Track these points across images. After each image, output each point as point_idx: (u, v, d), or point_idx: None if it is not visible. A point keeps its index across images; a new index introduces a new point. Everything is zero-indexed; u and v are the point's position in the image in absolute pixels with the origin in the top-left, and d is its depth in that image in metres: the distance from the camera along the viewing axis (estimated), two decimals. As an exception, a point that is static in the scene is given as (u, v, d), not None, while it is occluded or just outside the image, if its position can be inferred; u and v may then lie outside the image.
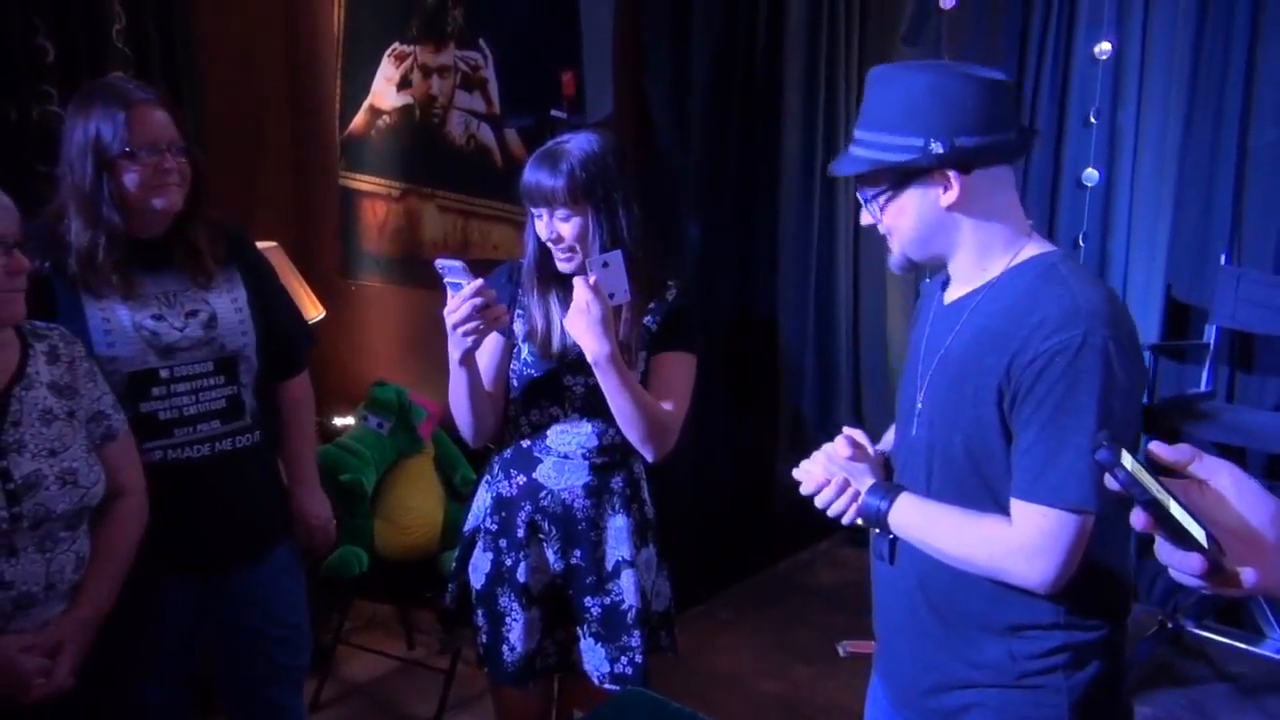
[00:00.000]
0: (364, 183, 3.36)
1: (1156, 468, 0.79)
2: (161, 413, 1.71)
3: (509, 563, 1.82)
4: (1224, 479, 0.79)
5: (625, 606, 1.80)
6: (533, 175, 1.70)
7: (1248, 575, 0.77)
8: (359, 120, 3.33)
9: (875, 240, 3.70)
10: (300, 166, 3.49)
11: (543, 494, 1.80)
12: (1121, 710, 1.39)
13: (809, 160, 3.50)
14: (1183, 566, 0.76)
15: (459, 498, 2.84)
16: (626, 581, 1.80)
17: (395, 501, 2.78)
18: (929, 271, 1.41)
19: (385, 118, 3.27)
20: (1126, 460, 0.77)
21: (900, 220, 1.29)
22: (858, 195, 1.34)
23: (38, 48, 2.47)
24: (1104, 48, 3.16)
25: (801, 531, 3.66)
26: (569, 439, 1.79)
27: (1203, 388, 3.05)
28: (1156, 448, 0.80)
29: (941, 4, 3.50)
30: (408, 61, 3.19)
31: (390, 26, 3.21)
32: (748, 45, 3.26)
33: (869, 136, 1.28)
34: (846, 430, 1.41)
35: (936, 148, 1.22)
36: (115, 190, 1.63)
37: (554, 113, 2.67)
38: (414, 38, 3.16)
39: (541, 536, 1.81)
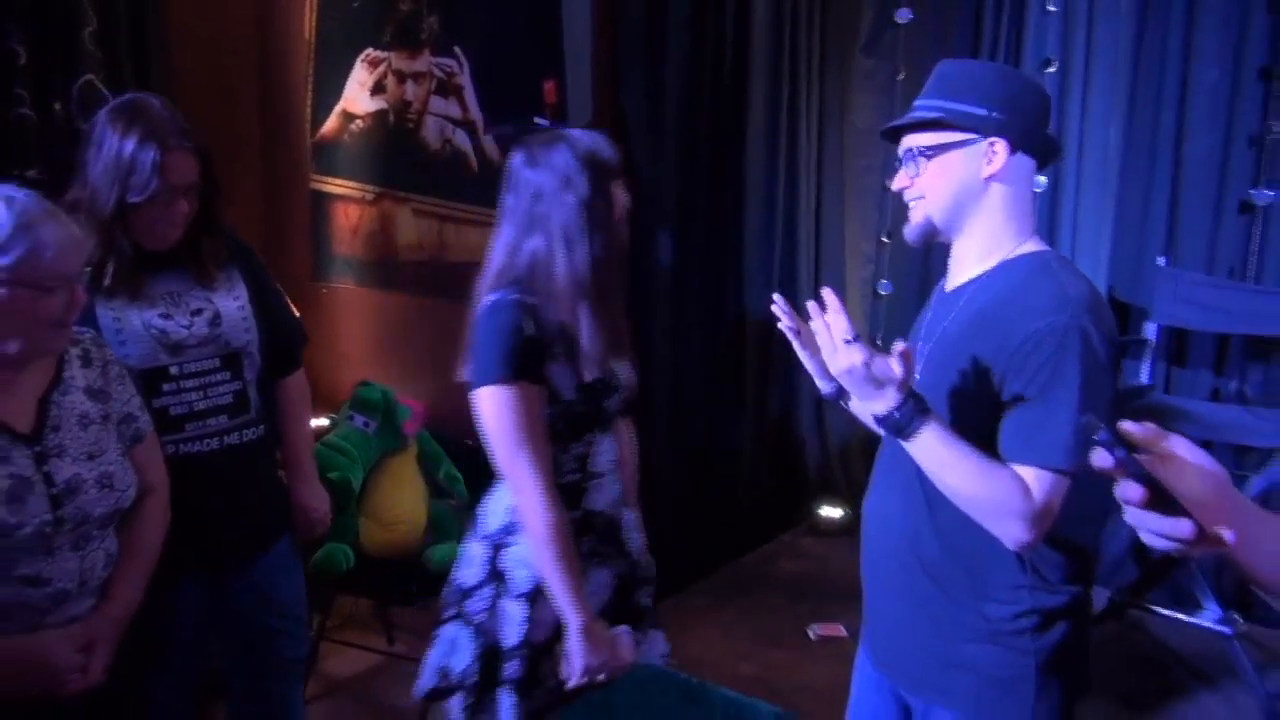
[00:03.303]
0: (336, 186, 3.39)
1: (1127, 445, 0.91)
2: (173, 408, 1.75)
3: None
4: (1182, 451, 0.92)
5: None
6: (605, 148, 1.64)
7: (1228, 534, 0.88)
8: (331, 124, 3.36)
9: (834, 247, 3.87)
10: (271, 170, 3.51)
11: (595, 519, 1.70)
12: (1085, 672, 1.50)
13: (772, 170, 3.63)
14: (1174, 531, 0.85)
15: (443, 494, 2.90)
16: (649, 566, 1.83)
17: (381, 499, 2.83)
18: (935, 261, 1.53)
19: (358, 122, 3.31)
20: (1109, 446, 0.88)
21: (939, 181, 1.42)
22: (902, 155, 1.46)
23: (9, 50, 2.47)
24: (1050, 64, 3.36)
25: (764, 526, 3.80)
26: (604, 459, 1.72)
27: (1144, 381, 3.26)
28: (1129, 426, 0.91)
29: (897, 18, 3.68)
30: (381, 67, 3.24)
31: (363, 32, 3.26)
32: (715, 60, 3.38)
33: (933, 102, 1.41)
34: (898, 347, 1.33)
35: (997, 115, 1.37)
36: (129, 220, 1.67)
37: (536, 120, 2.74)
38: (388, 43, 3.21)
39: (597, 563, 1.70)
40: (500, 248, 1.66)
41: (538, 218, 1.61)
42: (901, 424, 1.31)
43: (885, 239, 3.87)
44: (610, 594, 1.72)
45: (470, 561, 1.73)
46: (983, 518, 1.33)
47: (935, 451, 1.31)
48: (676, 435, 3.37)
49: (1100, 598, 3.13)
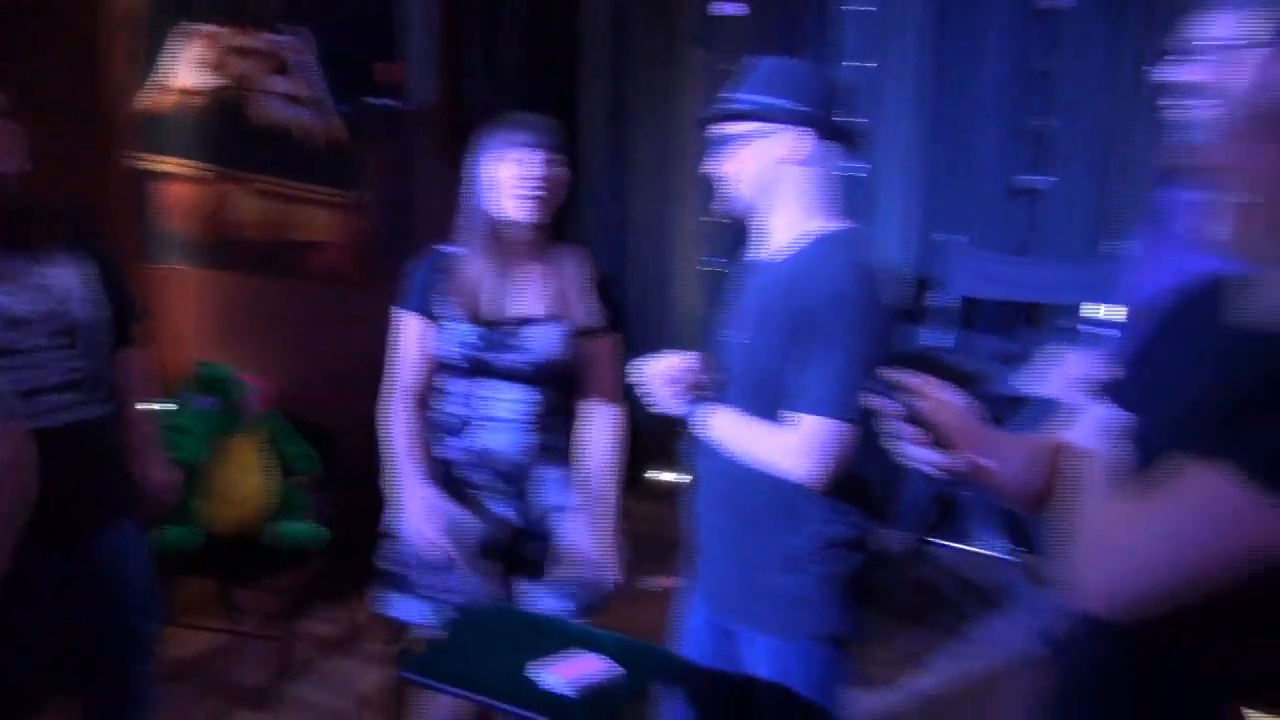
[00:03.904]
0: (167, 165, 3.31)
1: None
2: (15, 384, 1.74)
3: (460, 523, 1.93)
4: (943, 395, 1.15)
5: (562, 549, 1.97)
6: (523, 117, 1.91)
7: (988, 461, 1.12)
8: (160, 100, 3.27)
9: (671, 228, 4.08)
10: (93, 148, 3.37)
11: (489, 456, 1.94)
12: (871, 595, 1.72)
13: (609, 153, 3.80)
14: (942, 459, 1.10)
15: (292, 472, 2.92)
16: (563, 526, 1.98)
17: (226, 478, 2.82)
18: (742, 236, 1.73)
19: (190, 99, 3.24)
20: (884, 392, 1.12)
21: (749, 166, 1.60)
22: (717, 142, 1.63)
23: None
24: (861, 61, 3.70)
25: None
26: (503, 407, 1.93)
27: (943, 344, 3.67)
28: (900, 375, 1.15)
29: (719, 10, 3.92)
30: (214, 43, 3.18)
31: (193, 6, 3.19)
32: (552, 46, 3.51)
33: (745, 95, 1.60)
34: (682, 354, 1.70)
35: (801, 107, 1.56)
36: None
37: (378, 100, 2.79)
38: (221, 19, 3.16)
39: (488, 496, 1.95)
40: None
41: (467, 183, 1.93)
42: (694, 415, 1.61)
43: (715, 220, 4.12)
44: (507, 538, 1.95)
45: None
46: (775, 469, 1.56)
47: (723, 432, 1.61)
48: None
49: (903, 539, 3.53)
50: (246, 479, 2.85)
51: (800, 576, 1.62)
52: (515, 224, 1.91)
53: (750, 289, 1.69)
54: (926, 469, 1.18)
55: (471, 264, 1.93)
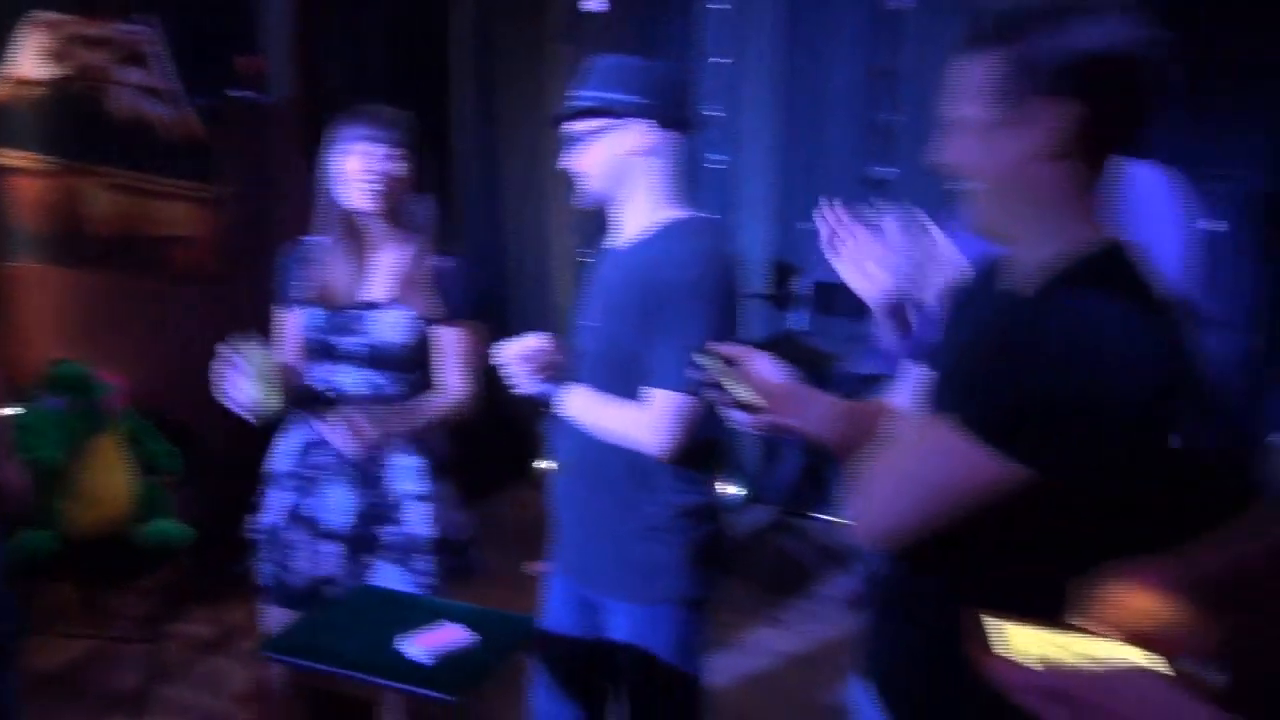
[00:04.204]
0: (14, 159, 3.17)
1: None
2: None
3: (303, 501, 2.00)
4: (763, 364, 1.28)
5: (418, 535, 2.01)
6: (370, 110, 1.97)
7: (793, 420, 1.25)
8: (4, 92, 3.13)
9: (543, 219, 4.16)
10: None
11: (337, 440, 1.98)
12: (723, 560, 1.84)
13: (479, 146, 3.84)
14: (752, 419, 1.23)
15: (154, 471, 2.87)
16: (418, 513, 2.02)
17: (84, 479, 2.75)
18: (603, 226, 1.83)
19: (33, 89, 3.12)
20: (709, 363, 1.24)
21: (597, 158, 1.69)
22: (568, 137, 1.72)
23: None
24: (720, 57, 3.85)
25: (490, 480, 4.04)
26: (351, 389, 1.99)
27: (800, 327, 3.88)
28: (724, 348, 1.28)
29: (582, 5, 4.00)
30: (58, 32, 3.07)
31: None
32: (416, 38, 3.53)
33: (590, 92, 1.68)
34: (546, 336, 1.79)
35: (644, 101, 1.64)
36: None
37: (236, 92, 2.76)
38: (66, 8, 3.05)
39: (336, 478, 2.00)
40: None
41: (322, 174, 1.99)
42: (550, 395, 1.72)
43: (584, 211, 4.22)
44: (354, 518, 2.00)
45: None
46: (629, 442, 1.66)
47: (580, 410, 1.71)
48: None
49: (770, 510, 3.73)
50: (108, 479, 2.79)
51: (656, 545, 1.72)
52: (362, 213, 1.97)
53: (604, 275, 1.79)
54: (751, 430, 1.32)
55: (325, 251, 2.00)
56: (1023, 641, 0.82)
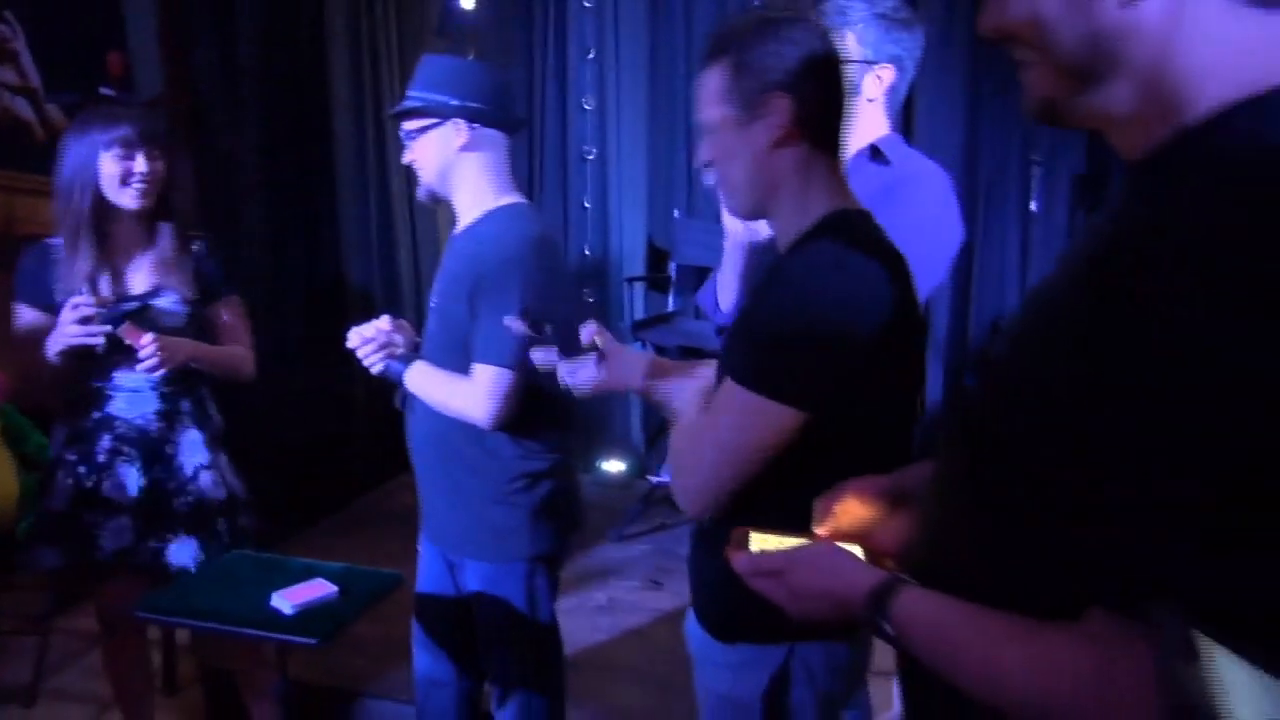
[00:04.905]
0: None
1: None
2: None
3: (90, 484, 2.08)
4: (611, 343, 1.45)
5: (209, 500, 2.14)
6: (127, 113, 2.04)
7: (637, 385, 1.43)
8: None
9: (426, 213, 4.25)
10: None
11: (118, 424, 2.09)
12: (572, 516, 1.99)
13: (360, 143, 3.92)
14: (580, 379, 1.41)
15: (34, 467, 2.89)
16: (207, 481, 2.15)
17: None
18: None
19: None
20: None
21: (426, 155, 1.84)
22: (401, 135, 1.86)
23: None
24: (589, 53, 4.01)
25: (382, 465, 4.14)
26: (136, 376, 2.06)
27: (670, 308, 4.07)
28: (586, 330, 1.47)
29: (462, 3, 4.12)
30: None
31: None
32: (291, 35, 3.59)
33: (417, 93, 1.82)
34: (388, 317, 1.93)
35: (462, 101, 1.79)
36: None
37: (103, 90, 2.80)
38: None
39: (122, 459, 2.09)
40: None
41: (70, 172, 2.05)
42: (394, 372, 1.86)
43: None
44: (138, 492, 2.09)
45: None
46: (460, 414, 1.81)
47: (418, 386, 1.85)
48: (282, 379, 3.58)
49: (619, 470, 4.01)
50: (-7, 476, 2.81)
51: (505, 507, 1.88)
52: (120, 210, 2.06)
53: (444, 259, 1.94)
54: (577, 390, 1.49)
55: (80, 250, 2.05)
56: (759, 544, 1.02)
